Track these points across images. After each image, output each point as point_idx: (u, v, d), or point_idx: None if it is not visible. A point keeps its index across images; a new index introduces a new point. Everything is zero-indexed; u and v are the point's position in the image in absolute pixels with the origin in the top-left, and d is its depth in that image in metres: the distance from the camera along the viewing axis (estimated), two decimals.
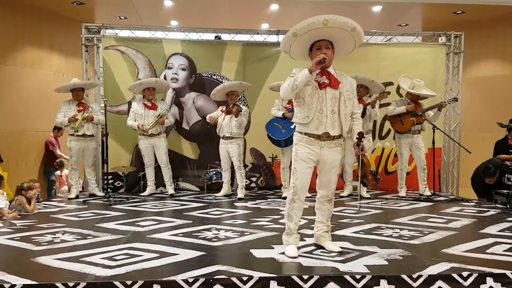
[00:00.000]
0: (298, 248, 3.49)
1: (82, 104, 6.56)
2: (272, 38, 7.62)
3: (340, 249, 3.48)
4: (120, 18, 8.80)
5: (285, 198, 6.27)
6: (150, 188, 6.80)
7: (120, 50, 7.30)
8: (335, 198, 6.37)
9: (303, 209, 3.54)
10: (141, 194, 6.78)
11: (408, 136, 6.63)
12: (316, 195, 3.64)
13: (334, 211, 5.31)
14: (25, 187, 5.28)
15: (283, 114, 6.23)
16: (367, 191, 6.75)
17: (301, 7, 7.99)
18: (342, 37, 3.43)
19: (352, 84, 3.54)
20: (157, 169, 6.86)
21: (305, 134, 3.43)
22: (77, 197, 6.53)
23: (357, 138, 3.56)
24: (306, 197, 3.54)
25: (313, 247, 3.62)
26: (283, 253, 3.40)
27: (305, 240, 3.70)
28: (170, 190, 6.80)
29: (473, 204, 6.04)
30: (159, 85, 6.83)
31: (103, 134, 6.75)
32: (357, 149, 3.59)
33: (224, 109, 6.56)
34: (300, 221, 3.58)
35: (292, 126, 3.59)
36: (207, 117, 6.68)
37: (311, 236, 3.84)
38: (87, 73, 7.33)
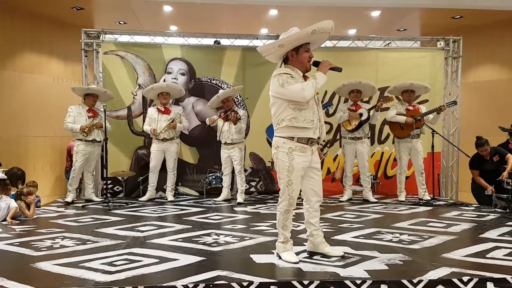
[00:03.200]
0: (298, 253, 3.49)
1: (92, 111, 6.58)
2: None
3: (342, 253, 3.48)
4: (119, 23, 8.82)
5: None
6: (150, 193, 6.78)
7: (119, 55, 7.32)
8: (335, 203, 6.45)
9: None
10: (140, 199, 6.76)
11: (407, 140, 6.64)
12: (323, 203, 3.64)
13: (334, 216, 5.36)
14: (24, 192, 5.28)
15: None
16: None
17: (300, 12, 8.02)
18: (320, 39, 3.51)
19: None
20: (159, 173, 6.85)
21: (298, 141, 3.34)
22: (73, 202, 6.52)
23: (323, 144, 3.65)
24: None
25: None
26: (279, 259, 3.39)
27: (304, 245, 3.69)
28: (170, 196, 6.78)
29: (473, 208, 6.05)
30: (171, 89, 6.81)
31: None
32: (322, 154, 3.65)
33: (222, 114, 6.58)
34: (298, 226, 3.57)
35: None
36: (207, 119, 6.70)
37: None
38: (86, 78, 7.35)
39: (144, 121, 6.99)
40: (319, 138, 3.47)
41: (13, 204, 5.05)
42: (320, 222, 3.61)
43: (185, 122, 6.88)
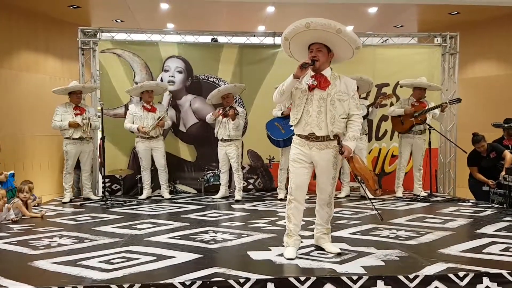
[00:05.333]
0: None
1: (79, 108, 6.56)
2: (269, 40, 7.65)
3: (339, 251, 3.49)
4: (116, 21, 8.79)
5: (280, 199, 6.32)
6: (147, 191, 6.79)
7: (116, 53, 7.31)
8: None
9: (302, 211, 3.54)
10: (139, 197, 6.77)
11: (409, 136, 6.66)
12: (314, 196, 3.66)
13: None
14: (17, 189, 5.27)
15: (282, 112, 6.23)
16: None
17: (297, 9, 8.00)
18: (334, 40, 3.36)
19: (348, 85, 3.46)
20: (155, 172, 6.86)
21: (298, 135, 3.52)
22: (70, 201, 6.52)
23: (338, 140, 3.43)
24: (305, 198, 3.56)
25: (310, 249, 3.63)
26: (282, 254, 3.40)
27: (302, 242, 3.70)
28: (166, 193, 6.79)
29: (470, 204, 6.06)
30: (158, 88, 6.82)
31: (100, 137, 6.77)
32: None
33: (220, 111, 6.58)
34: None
35: (292, 127, 3.59)
36: (210, 114, 6.65)
37: (308, 237, 3.86)
38: (83, 76, 7.34)
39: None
40: (312, 134, 3.40)
41: None
42: None
43: (169, 121, 6.92)
